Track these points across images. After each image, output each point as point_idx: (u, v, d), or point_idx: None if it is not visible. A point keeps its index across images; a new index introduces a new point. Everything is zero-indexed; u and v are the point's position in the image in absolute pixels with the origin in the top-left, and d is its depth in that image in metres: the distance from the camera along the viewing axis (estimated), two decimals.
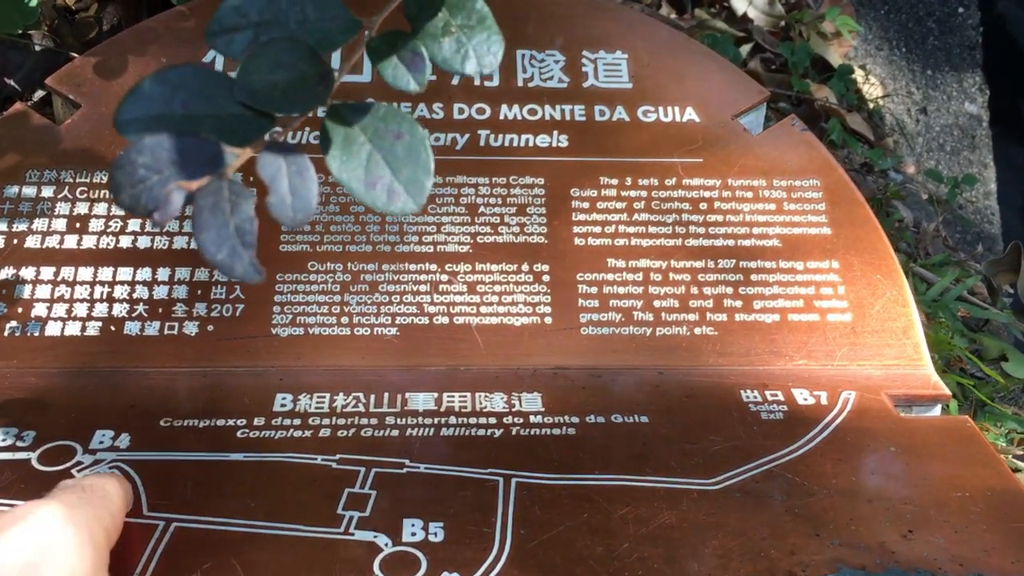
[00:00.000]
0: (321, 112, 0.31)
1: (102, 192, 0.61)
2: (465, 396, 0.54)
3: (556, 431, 0.52)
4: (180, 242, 0.60)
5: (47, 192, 0.61)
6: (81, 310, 0.57)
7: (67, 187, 0.61)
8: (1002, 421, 0.88)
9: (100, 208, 0.61)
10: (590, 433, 0.52)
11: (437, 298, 0.59)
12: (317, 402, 0.53)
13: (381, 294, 0.59)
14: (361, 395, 0.54)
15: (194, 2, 0.70)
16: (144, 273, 0.59)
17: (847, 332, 0.59)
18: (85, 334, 0.56)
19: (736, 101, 0.68)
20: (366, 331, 0.58)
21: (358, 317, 0.58)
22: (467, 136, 0.66)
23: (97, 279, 0.58)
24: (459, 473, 0.49)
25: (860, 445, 0.51)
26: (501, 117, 0.67)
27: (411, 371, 0.56)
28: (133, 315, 0.57)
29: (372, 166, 0.30)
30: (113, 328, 0.57)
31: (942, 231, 1.13)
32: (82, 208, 0.61)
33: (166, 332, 0.57)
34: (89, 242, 0.60)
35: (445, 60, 0.32)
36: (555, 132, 0.67)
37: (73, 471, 0.48)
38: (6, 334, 0.56)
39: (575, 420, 0.53)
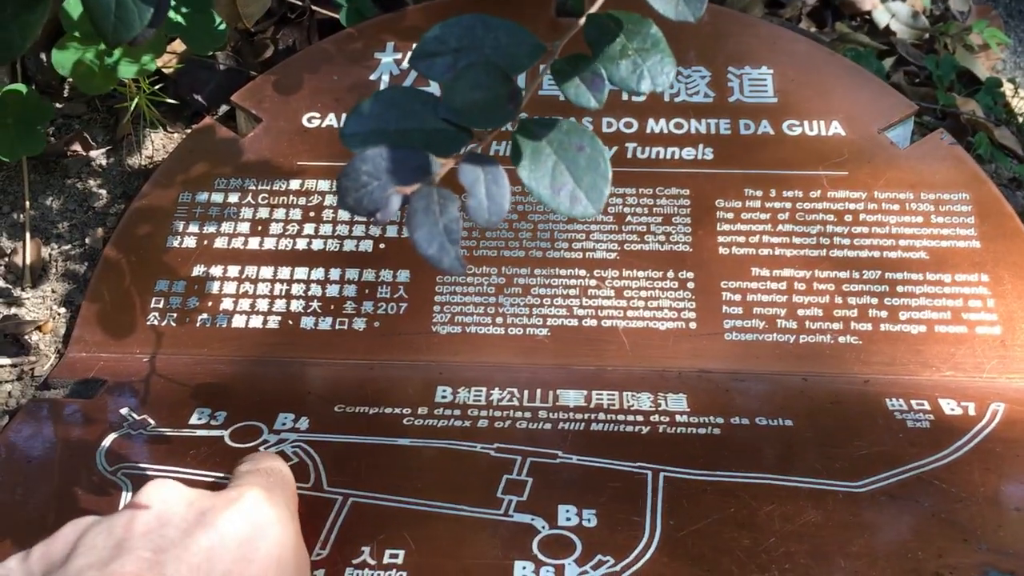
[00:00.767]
0: (509, 127, 0.35)
1: (281, 198, 0.67)
2: (613, 394, 0.57)
3: (702, 430, 0.54)
4: (349, 245, 0.65)
5: (233, 198, 0.68)
6: (263, 305, 0.63)
7: (250, 194, 0.68)
8: None
9: (279, 213, 0.67)
10: (735, 433, 0.54)
11: (586, 302, 0.62)
12: (475, 395, 0.57)
13: (533, 297, 0.63)
14: (515, 390, 0.58)
15: (363, 24, 0.76)
16: (318, 273, 0.64)
17: (996, 345, 0.59)
18: (266, 327, 0.62)
19: (882, 115, 0.69)
20: (519, 331, 0.61)
21: (511, 318, 0.62)
22: (615, 149, 0.69)
23: (277, 277, 0.64)
24: (609, 465, 0.52)
25: (1009, 455, 0.51)
26: (648, 131, 0.70)
27: (562, 369, 0.59)
28: (308, 311, 0.63)
29: (557, 175, 0.34)
30: (291, 322, 0.62)
31: None
32: (263, 213, 0.67)
33: (337, 327, 0.62)
34: (269, 244, 0.66)
35: (622, 80, 0.35)
36: (700, 145, 0.69)
37: (260, 447, 0.53)
38: (198, 325, 0.62)
39: (720, 421, 0.55)
